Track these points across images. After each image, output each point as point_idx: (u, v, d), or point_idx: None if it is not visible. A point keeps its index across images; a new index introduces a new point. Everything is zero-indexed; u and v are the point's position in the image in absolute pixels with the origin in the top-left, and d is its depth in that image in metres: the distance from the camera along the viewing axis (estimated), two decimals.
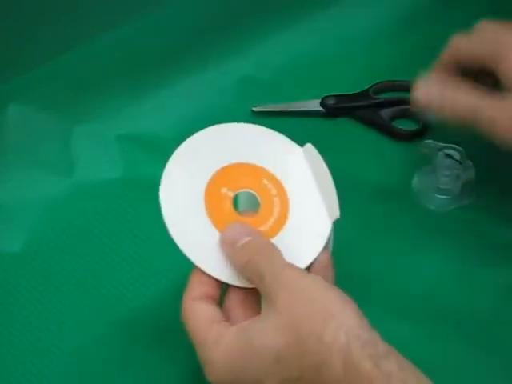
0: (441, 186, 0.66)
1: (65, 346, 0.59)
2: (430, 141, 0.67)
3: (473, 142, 0.62)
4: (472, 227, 0.65)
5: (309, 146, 0.56)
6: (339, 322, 0.46)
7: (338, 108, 0.73)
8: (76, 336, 0.60)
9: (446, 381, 0.54)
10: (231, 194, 0.54)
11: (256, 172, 0.55)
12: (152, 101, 0.73)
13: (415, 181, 0.67)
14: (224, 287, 0.52)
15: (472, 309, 0.60)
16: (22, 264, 0.64)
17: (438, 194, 0.66)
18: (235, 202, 0.54)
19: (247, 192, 0.55)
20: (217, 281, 0.52)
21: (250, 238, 0.52)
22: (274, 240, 0.53)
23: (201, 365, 0.50)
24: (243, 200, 0.55)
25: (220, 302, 0.52)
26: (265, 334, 0.47)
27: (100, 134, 0.71)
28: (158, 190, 0.68)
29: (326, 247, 0.54)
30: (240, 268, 0.51)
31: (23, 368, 0.58)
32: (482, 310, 0.60)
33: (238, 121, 0.57)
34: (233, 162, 0.55)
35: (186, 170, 0.55)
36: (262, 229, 0.54)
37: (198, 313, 0.51)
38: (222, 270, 0.52)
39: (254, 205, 0.55)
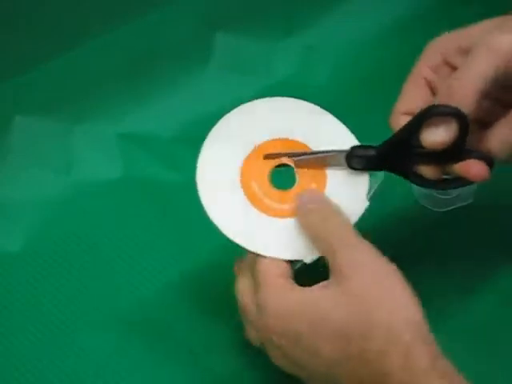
0: None
1: (65, 346, 0.59)
2: None
3: None
4: (472, 227, 0.65)
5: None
6: (407, 316, 0.47)
7: None
8: (76, 336, 0.60)
9: None
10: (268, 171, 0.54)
11: (295, 147, 0.55)
12: (152, 101, 0.73)
13: None
14: None
15: (472, 309, 0.60)
16: (21, 264, 0.64)
17: (438, 194, 0.66)
18: (272, 176, 0.54)
19: None
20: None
21: (314, 205, 0.52)
22: None
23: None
24: None
25: None
26: (333, 302, 0.48)
27: (100, 134, 0.71)
28: (157, 189, 0.69)
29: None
30: (309, 237, 0.52)
31: (23, 368, 0.58)
32: (482, 310, 0.60)
33: None
34: (271, 138, 0.55)
35: (221, 150, 0.55)
36: None
37: (269, 267, 0.51)
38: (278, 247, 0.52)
39: None
